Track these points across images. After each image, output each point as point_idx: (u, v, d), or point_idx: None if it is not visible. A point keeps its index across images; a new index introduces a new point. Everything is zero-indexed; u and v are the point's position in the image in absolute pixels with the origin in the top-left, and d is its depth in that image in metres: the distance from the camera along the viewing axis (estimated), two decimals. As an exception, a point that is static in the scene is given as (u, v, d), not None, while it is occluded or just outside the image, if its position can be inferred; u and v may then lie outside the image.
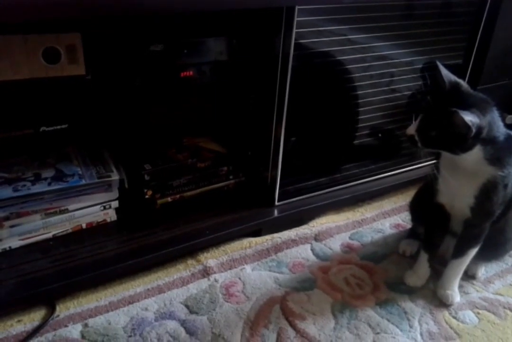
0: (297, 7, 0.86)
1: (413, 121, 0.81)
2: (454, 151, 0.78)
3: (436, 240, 0.96)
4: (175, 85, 1.04)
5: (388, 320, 0.87)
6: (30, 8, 0.62)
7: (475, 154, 0.77)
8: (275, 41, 0.91)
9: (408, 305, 0.91)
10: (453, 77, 0.79)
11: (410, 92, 1.15)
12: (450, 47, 1.14)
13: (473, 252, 0.88)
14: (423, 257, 0.94)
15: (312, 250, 1.05)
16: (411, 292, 0.94)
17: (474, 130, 0.72)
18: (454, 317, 0.89)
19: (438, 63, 0.81)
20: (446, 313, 0.90)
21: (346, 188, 1.16)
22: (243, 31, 1.01)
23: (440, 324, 0.87)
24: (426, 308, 0.91)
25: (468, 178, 0.81)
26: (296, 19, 0.88)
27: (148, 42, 0.97)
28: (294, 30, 0.89)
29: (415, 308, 0.90)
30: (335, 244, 1.06)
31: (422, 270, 0.95)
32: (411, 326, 0.86)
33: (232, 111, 1.14)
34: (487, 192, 0.81)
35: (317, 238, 1.08)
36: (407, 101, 1.15)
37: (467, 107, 0.73)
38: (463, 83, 0.79)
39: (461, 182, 0.83)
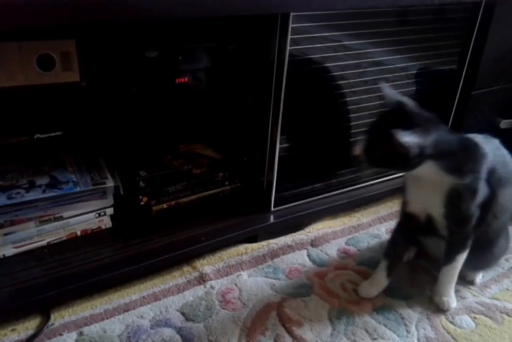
0: (291, 14, 0.87)
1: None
2: (401, 170, 0.80)
3: (399, 249, 0.94)
4: (170, 91, 1.04)
5: (385, 326, 0.87)
6: (24, 15, 0.62)
7: (429, 168, 0.78)
8: (270, 48, 0.92)
9: (405, 310, 0.91)
10: (398, 97, 0.80)
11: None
12: (444, 52, 1.15)
13: (462, 257, 0.88)
14: (382, 265, 0.93)
15: (308, 255, 1.04)
16: (408, 298, 0.93)
17: (413, 150, 0.73)
18: (451, 322, 0.89)
19: (383, 85, 0.83)
20: (443, 318, 0.90)
21: (342, 193, 1.16)
22: (238, 38, 1.01)
23: (437, 329, 0.87)
24: (423, 313, 0.90)
25: (431, 188, 0.82)
26: (291, 25, 0.88)
27: (143, 48, 0.97)
28: (289, 37, 0.89)
29: (412, 314, 0.90)
30: (332, 250, 1.06)
31: (378, 279, 0.93)
32: (408, 332, 0.86)
33: (228, 117, 1.14)
34: (453, 200, 0.82)
35: (313, 243, 1.08)
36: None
37: (410, 127, 0.74)
38: (409, 103, 0.79)
39: (426, 192, 0.84)
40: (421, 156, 0.75)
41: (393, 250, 0.93)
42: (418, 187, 0.85)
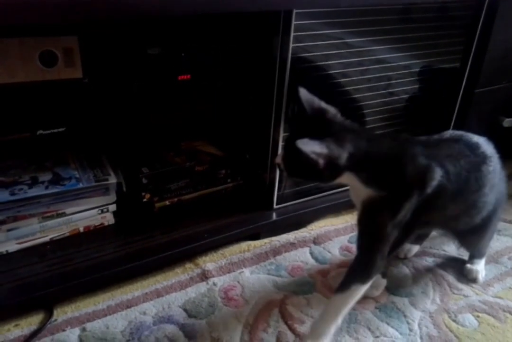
0: (294, 11, 0.87)
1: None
2: (318, 181, 0.76)
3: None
4: (173, 88, 1.04)
5: (388, 324, 0.87)
6: (27, 11, 0.62)
7: (349, 179, 0.73)
8: (273, 45, 0.91)
9: (407, 308, 0.90)
10: (318, 104, 0.74)
11: (407, 96, 1.15)
12: (447, 50, 1.14)
13: (358, 288, 0.76)
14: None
15: (311, 253, 1.04)
16: (411, 296, 0.93)
17: (321, 161, 0.68)
18: (454, 321, 0.88)
19: (300, 89, 0.75)
20: (445, 316, 0.90)
21: (344, 191, 1.15)
22: (241, 35, 1.01)
23: (440, 327, 0.87)
24: (426, 311, 0.90)
25: (355, 192, 0.78)
26: (293, 22, 0.88)
27: (146, 45, 0.97)
28: (292, 34, 0.89)
29: (414, 312, 0.90)
30: (334, 248, 1.06)
31: (375, 282, 0.88)
32: (410, 330, 0.86)
33: (230, 114, 1.14)
34: (369, 212, 0.76)
35: (316, 241, 1.08)
36: (404, 105, 1.15)
37: (325, 136, 0.69)
38: (331, 110, 0.74)
39: (353, 195, 0.80)
40: (336, 168, 0.70)
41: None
42: (350, 188, 0.81)
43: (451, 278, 0.99)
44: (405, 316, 0.89)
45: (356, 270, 0.78)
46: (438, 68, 1.16)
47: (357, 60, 1.01)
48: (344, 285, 0.77)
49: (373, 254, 0.76)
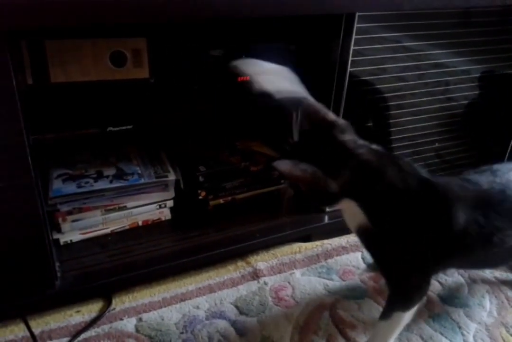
0: (357, 14, 0.86)
1: None
2: (321, 204, 0.74)
3: None
4: (232, 89, 1.07)
5: (442, 334, 0.85)
6: (101, 12, 0.65)
7: (347, 205, 0.68)
8: (333, 47, 0.91)
9: (462, 319, 0.88)
10: (324, 115, 0.68)
11: (466, 102, 1.12)
12: (510, 55, 1.10)
13: (401, 316, 0.72)
14: None
15: (363, 258, 1.03)
16: (466, 307, 0.91)
17: (303, 186, 0.65)
18: (512, 335, 0.85)
19: (304, 98, 0.69)
20: (503, 330, 0.86)
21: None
22: (301, 37, 1.02)
23: (497, 341, 0.84)
24: (482, 323, 0.87)
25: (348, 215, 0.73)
26: (356, 25, 0.88)
27: (209, 47, 1.00)
28: (354, 37, 0.89)
29: (470, 323, 0.87)
30: (387, 253, 1.04)
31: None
32: (465, 341, 0.84)
33: (286, 116, 1.15)
34: (362, 235, 0.72)
35: (368, 246, 1.07)
36: (463, 111, 1.12)
37: (326, 156, 0.65)
38: (340, 124, 0.68)
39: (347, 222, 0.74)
40: (329, 194, 0.65)
41: None
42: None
43: (509, 292, 0.95)
44: (459, 327, 0.86)
45: (395, 299, 0.74)
46: (500, 74, 1.12)
47: (414, 64, 1.00)
48: (386, 313, 0.74)
49: (403, 278, 0.72)
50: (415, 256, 0.70)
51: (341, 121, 0.68)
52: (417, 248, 0.69)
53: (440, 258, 0.71)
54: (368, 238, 0.71)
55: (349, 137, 0.67)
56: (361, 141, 0.68)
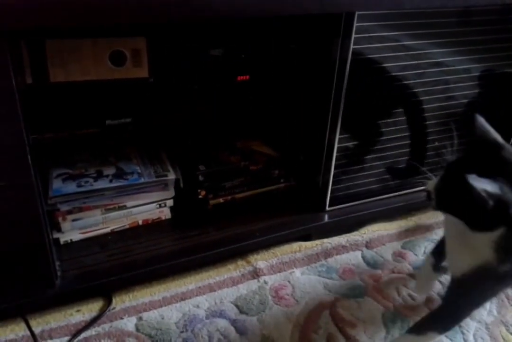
0: (356, 13, 0.86)
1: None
2: (470, 225, 0.65)
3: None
4: (232, 88, 1.07)
5: (442, 333, 0.85)
6: (101, 13, 0.65)
7: (491, 238, 0.64)
8: (332, 47, 0.91)
9: (462, 318, 0.88)
10: (494, 137, 0.66)
11: (466, 101, 1.12)
12: (510, 54, 1.10)
13: (434, 336, 0.74)
14: (427, 261, 0.88)
15: (362, 257, 1.03)
16: (466, 305, 0.91)
17: (488, 202, 0.58)
18: (512, 334, 0.86)
19: (477, 117, 0.67)
20: (503, 328, 0.86)
21: (399, 195, 1.14)
22: (300, 36, 1.02)
23: (497, 339, 0.84)
24: (482, 322, 0.87)
25: (464, 249, 0.69)
26: (355, 24, 0.88)
27: (208, 47, 1.00)
28: (353, 36, 0.89)
29: (470, 322, 0.87)
30: (387, 253, 1.05)
31: (426, 275, 0.88)
32: (465, 340, 0.83)
33: (286, 115, 1.15)
34: (477, 277, 0.69)
35: (368, 245, 1.07)
36: (463, 110, 1.12)
37: (496, 174, 0.60)
38: (507, 148, 0.65)
39: (456, 247, 0.72)
40: (501, 217, 0.61)
41: (440, 248, 0.85)
42: (450, 237, 0.74)
43: (510, 290, 0.95)
44: (459, 326, 0.86)
45: (439, 320, 0.75)
46: (500, 72, 1.12)
47: (414, 63, 1.00)
48: (421, 329, 0.75)
49: (463, 313, 0.74)
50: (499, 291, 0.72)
51: (509, 145, 0.66)
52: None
53: None
54: (479, 278, 0.68)
55: None
56: None
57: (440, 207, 0.69)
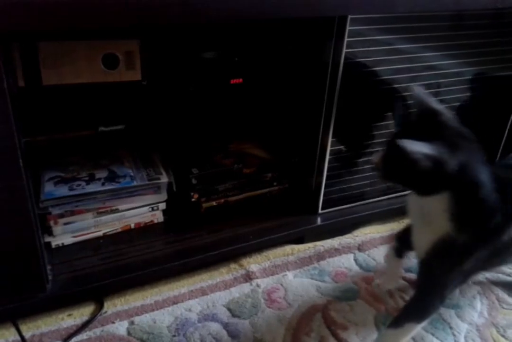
0: (349, 17, 0.87)
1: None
2: (415, 190, 0.69)
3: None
4: (225, 91, 1.07)
5: (433, 335, 0.85)
6: (95, 15, 0.65)
7: (438, 202, 0.66)
8: (325, 50, 0.92)
9: (454, 320, 0.89)
10: (430, 104, 0.68)
11: (458, 104, 1.13)
12: (503, 58, 1.11)
13: (412, 327, 0.74)
14: (391, 247, 0.87)
15: (355, 260, 1.04)
16: (457, 308, 0.91)
17: (424, 163, 0.60)
18: (503, 336, 0.86)
19: (415, 87, 0.70)
20: (494, 330, 0.87)
21: (392, 198, 1.14)
22: (293, 40, 1.02)
23: (488, 341, 0.85)
24: (473, 324, 0.88)
25: (425, 226, 0.71)
26: (348, 28, 0.88)
27: (201, 50, 1.00)
28: (346, 39, 0.89)
29: (461, 324, 0.88)
30: (379, 255, 1.05)
31: (389, 266, 0.88)
32: (456, 342, 0.84)
33: (279, 118, 1.15)
34: (438, 251, 0.69)
35: (360, 248, 1.07)
36: (455, 113, 1.13)
37: (434, 139, 0.62)
38: (444, 113, 0.67)
39: (418, 228, 0.73)
40: (439, 178, 0.63)
41: (404, 233, 0.84)
42: (414, 217, 0.75)
43: (500, 292, 0.96)
44: (451, 327, 0.87)
45: (413, 309, 0.76)
46: (493, 76, 1.13)
47: (407, 67, 1.00)
48: (398, 322, 0.75)
49: (433, 298, 0.73)
50: (468, 270, 0.70)
51: (446, 110, 0.68)
52: (477, 261, 0.69)
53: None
54: (440, 252, 0.69)
55: (456, 124, 0.67)
56: (466, 130, 0.67)
57: (386, 176, 0.72)
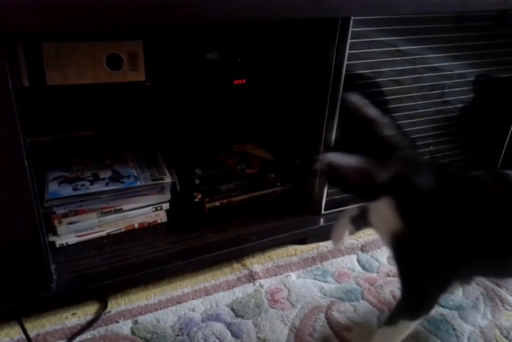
0: (352, 18, 0.87)
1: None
2: (357, 197, 0.70)
3: None
4: (228, 92, 1.07)
5: (436, 336, 0.85)
6: (99, 16, 0.66)
7: (383, 204, 0.67)
8: (328, 51, 0.92)
9: (457, 321, 0.88)
10: (366, 112, 0.69)
11: (461, 105, 1.13)
12: (506, 59, 1.11)
13: (406, 325, 0.72)
14: (347, 213, 0.86)
15: (358, 260, 1.04)
16: (460, 309, 0.91)
17: (352, 176, 0.63)
18: (506, 337, 0.86)
19: (351, 94, 0.70)
20: (497, 332, 0.87)
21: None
22: (296, 41, 1.02)
23: (491, 343, 0.85)
24: (476, 326, 0.88)
25: (380, 224, 0.72)
26: (351, 29, 0.88)
27: (204, 50, 1.01)
28: (349, 40, 0.89)
29: (464, 325, 0.88)
30: (382, 256, 1.05)
31: (340, 225, 0.87)
32: (460, 344, 0.84)
33: (282, 118, 1.16)
34: (398, 247, 0.70)
35: (363, 249, 1.07)
36: (458, 114, 1.13)
37: (367, 150, 0.64)
38: (380, 122, 0.68)
39: (377, 224, 0.73)
40: (372, 188, 0.64)
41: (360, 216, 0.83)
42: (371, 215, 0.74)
43: (503, 294, 0.96)
44: (454, 329, 0.87)
45: (405, 306, 0.74)
46: (495, 77, 1.13)
47: (410, 68, 1.01)
48: (392, 320, 0.74)
49: (420, 290, 0.72)
50: (443, 264, 0.69)
51: (382, 118, 0.69)
52: (450, 255, 0.68)
53: (472, 264, 0.71)
54: (398, 245, 0.69)
55: (391, 133, 0.68)
56: (401, 137, 0.68)
57: (331, 183, 0.76)
